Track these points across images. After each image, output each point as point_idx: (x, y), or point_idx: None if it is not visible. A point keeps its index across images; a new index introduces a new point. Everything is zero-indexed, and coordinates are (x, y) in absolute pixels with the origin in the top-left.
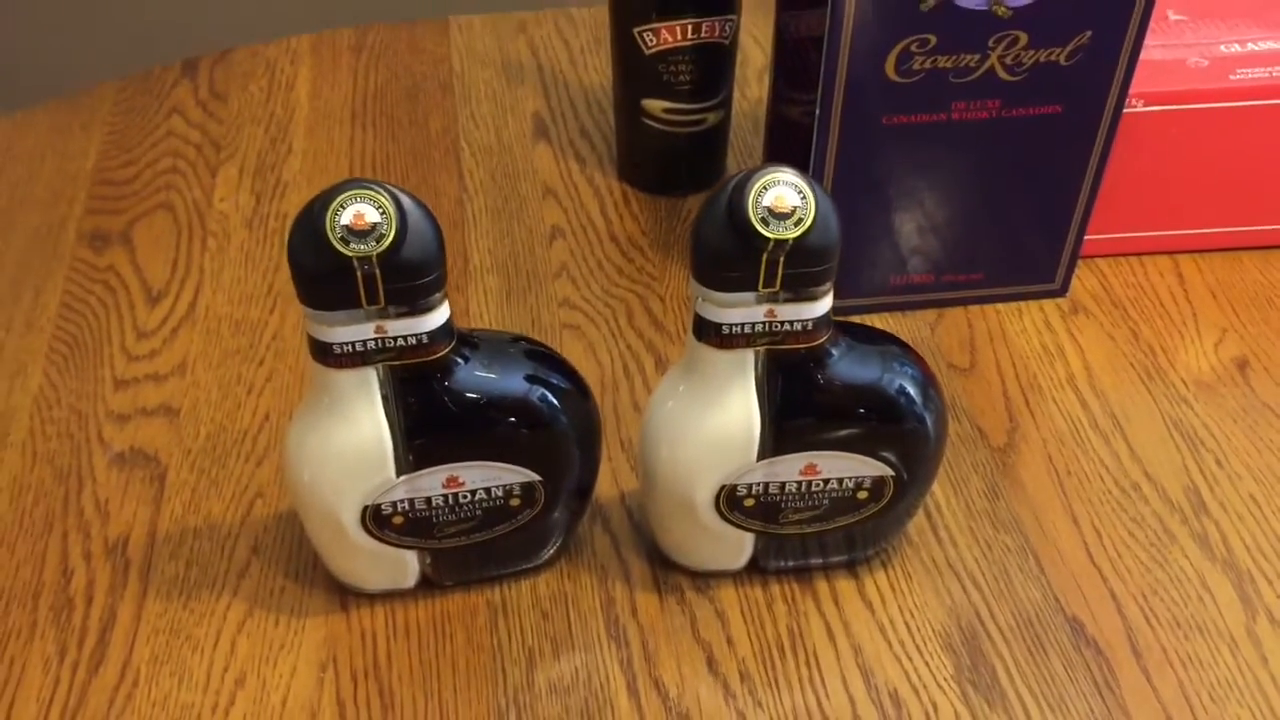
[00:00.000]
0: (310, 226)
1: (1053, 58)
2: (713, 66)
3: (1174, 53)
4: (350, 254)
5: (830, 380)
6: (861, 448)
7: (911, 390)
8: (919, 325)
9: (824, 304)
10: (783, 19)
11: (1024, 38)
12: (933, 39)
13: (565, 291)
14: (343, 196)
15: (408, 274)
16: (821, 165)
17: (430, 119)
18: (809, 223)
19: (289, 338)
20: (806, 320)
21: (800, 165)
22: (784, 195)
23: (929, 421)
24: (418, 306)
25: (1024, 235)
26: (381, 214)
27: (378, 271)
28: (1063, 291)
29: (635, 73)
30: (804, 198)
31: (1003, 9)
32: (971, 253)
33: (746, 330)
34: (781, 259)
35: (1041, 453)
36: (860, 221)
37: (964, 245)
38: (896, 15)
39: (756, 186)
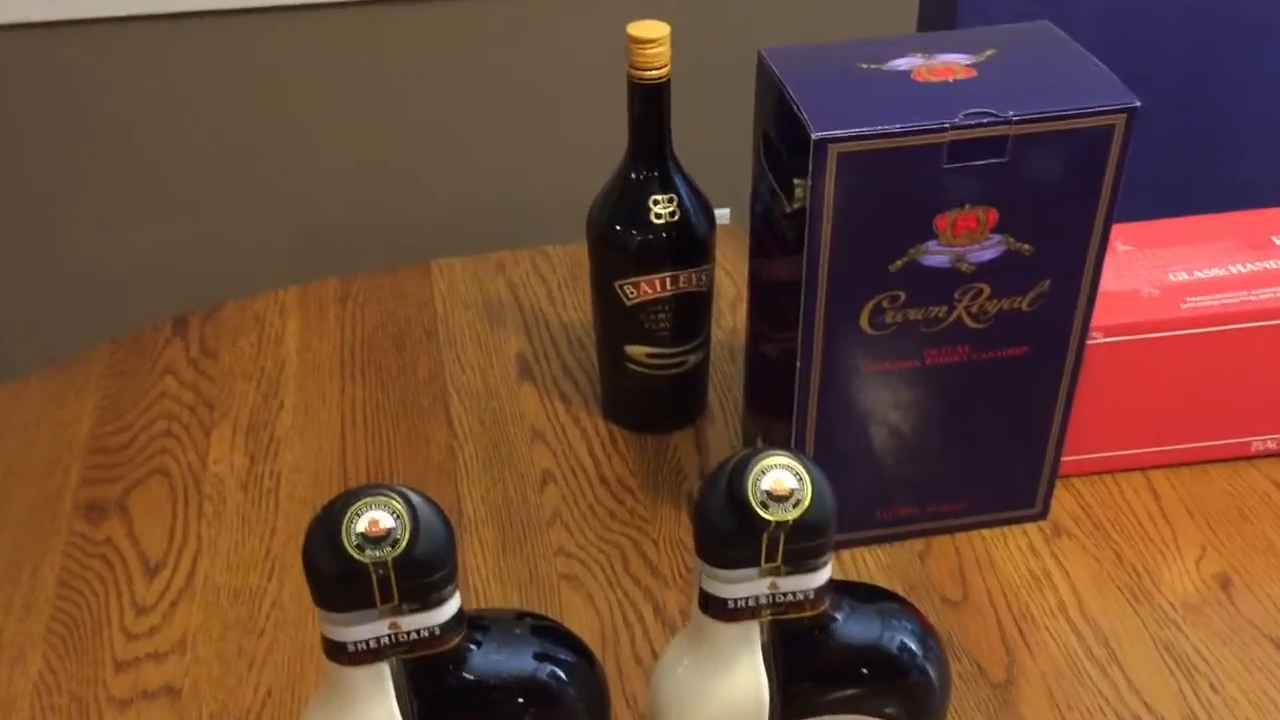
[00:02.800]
0: (326, 534)
1: (1015, 305)
2: (691, 312)
3: (1126, 282)
4: (366, 560)
5: (834, 645)
6: (869, 707)
7: (913, 645)
8: (908, 556)
9: (824, 574)
10: (755, 264)
11: (987, 289)
12: (902, 295)
13: (560, 540)
14: (358, 505)
15: (421, 573)
16: (805, 411)
17: (418, 365)
18: (806, 504)
19: (288, 606)
20: (808, 590)
21: (781, 399)
22: (781, 479)
23: (932, 673)
24: (430, 601)
25: (1003, 465)
26: (396, 519)
27: (392, 574)
28: (1043, 515)
29: (617, 321)
30: (800, 480)
31: (965, 265)
32: (954, 484)
33: (751, 603)
34: (782, 537)
35: (1041, 687)
36: (845, 460)
37: (946, 477)
38: (867, 276)
39: (755, 471)
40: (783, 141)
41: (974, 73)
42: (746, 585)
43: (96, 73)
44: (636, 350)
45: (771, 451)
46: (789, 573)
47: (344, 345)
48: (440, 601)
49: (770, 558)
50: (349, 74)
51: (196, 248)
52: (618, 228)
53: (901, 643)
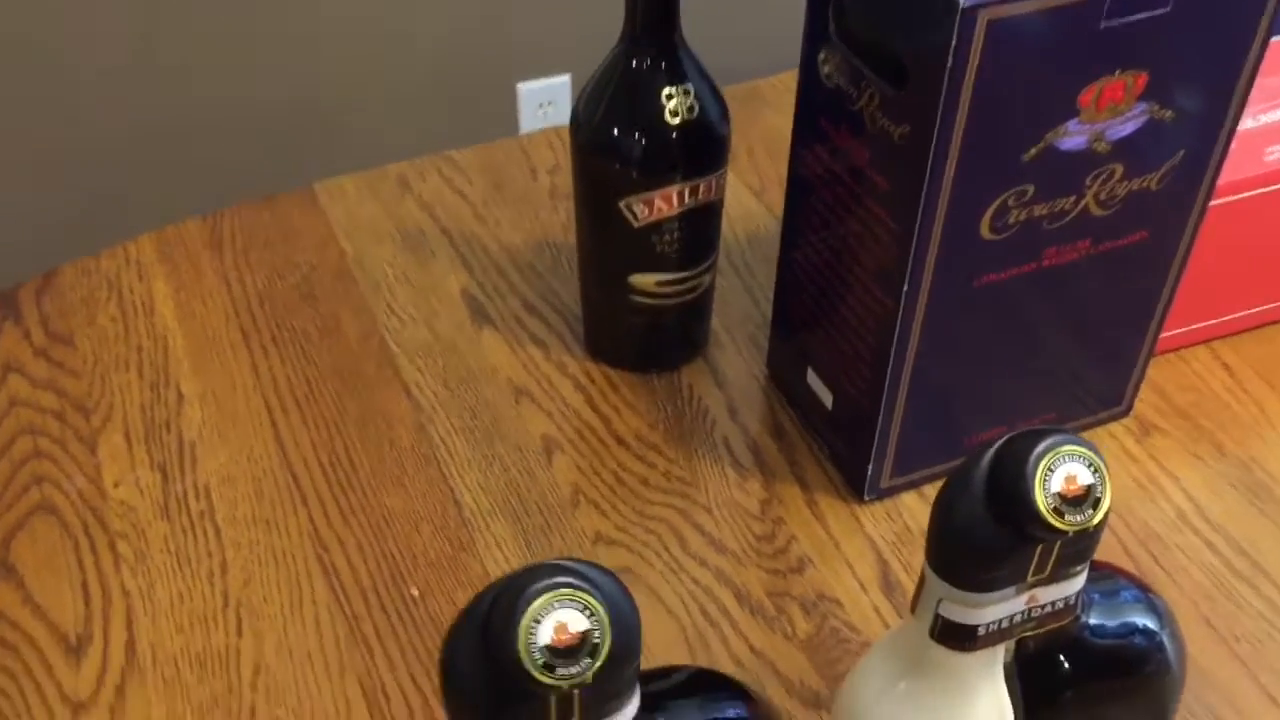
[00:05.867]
0: (492, 652)
1: (1145, 185)
2: (706, 227)
3: None
4: (556, 682)
5: (1086, 652)
6: (1119, 708)
7: (1155, 626)
8: None
9: (1083, 575)
10: (801, 154)
11: (1120, 170)
12: (1031, 188)
13: (593, 523)
14: (536, 605)
15: (612, 686)
16: (906, 342)
17: (342, 322)
18: (1108, 498)
19: (275, 667)
20: (1068, 597)
21: (825, 312)
22: (1075, 473)
23: (1174, 663)
24: (614, 710)
25: (1099, 366)
26: (591, 617)
27: (578, 699)
28: (1128, 411)
29: (621, 248)
30: (1095, 469)
31: (1103, 144)
32: (1045, 394)
33: (1004, 625)
34: (1059, 545)
35: (1198, 618)
36: (943, 389)
37: (1039, 389)
38: (997, 171)
39: (1040, 469)
40: (878, 11)
41: None
42: (1002, 606)
43: None
44: (644, 280)
45: (1050, 434)
46: (1049, 581)
47: (236, 306)
48: (619, 709)
49: (1039, 570)
50: None
51: None
52: (619, 133)
53: (1147, 629)
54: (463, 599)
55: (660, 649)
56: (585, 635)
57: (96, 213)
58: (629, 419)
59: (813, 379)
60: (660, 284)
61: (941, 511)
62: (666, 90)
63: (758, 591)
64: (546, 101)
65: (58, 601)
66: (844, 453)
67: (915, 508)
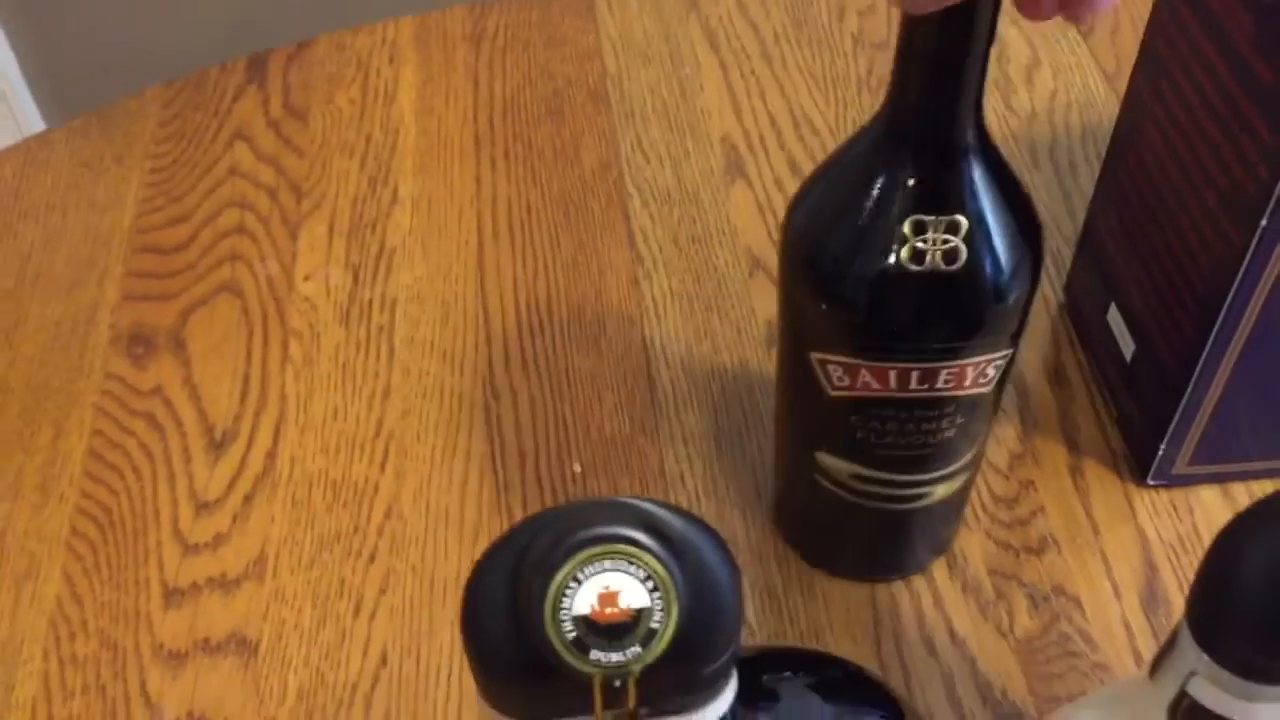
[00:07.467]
0: (517, 611)
1: None
2: (958, 426)
3: None
4: (591, 669)
5: None
6: None
7: None
8: None
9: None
10: (1161, 25)
11: None
12: None
13: None
14: (575, 561)
15: (685, 676)
16: (1250, 292)
17: (582, 148)
18: None
19: (409, 515)
20: None
21: (1137, 237)
22: None
23: None
24: (689, 705)
25: None
26: (653, 589)
27: (632, 684)
28: None
29: (806, 415)
30: None
31: None
32: None
33: None
34: None
35: None
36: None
37: None
38: None
39: None
40: None
41: None
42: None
43: None
44: (835, 465)
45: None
46: None
47: (479, 110)
48: (707, 702)
49: None
50: None
51: None
52: (823, 256)
53: None
54: (626, 489)
55: (838, 613)
56: (640, 615)
57: None
58: None
59: (1114, 318)
60: (858, 479)
61: (1226, 553)
62: (917, 218)
63: (977, 563)
64: None
65: (215, 390)
66: (1135, 418)
67: (1213, 508)
